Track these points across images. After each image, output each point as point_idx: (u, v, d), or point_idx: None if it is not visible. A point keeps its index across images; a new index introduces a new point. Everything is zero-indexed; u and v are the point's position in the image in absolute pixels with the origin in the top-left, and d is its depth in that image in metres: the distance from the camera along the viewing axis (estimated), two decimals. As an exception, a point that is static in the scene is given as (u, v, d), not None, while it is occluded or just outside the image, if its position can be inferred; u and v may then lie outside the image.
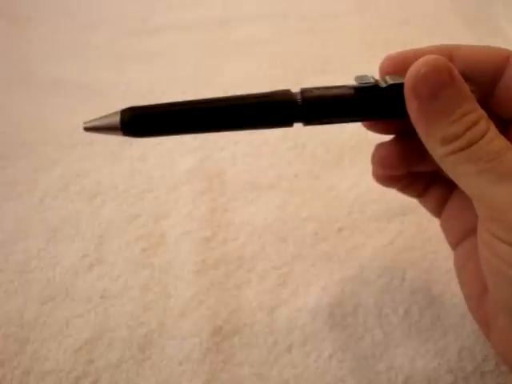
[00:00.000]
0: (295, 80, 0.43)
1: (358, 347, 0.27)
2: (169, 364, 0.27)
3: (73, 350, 0.27)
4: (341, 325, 0.28)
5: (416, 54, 0.21)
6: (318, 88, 0.22)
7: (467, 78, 0.21)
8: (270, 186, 0.35)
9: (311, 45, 0.48)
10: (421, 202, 0.27)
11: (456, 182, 0.21)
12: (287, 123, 0.22)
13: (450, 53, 0.22)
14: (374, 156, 0.25)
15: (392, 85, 0.21)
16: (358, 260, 0.31)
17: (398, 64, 0.22)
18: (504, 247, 0.19)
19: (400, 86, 0.21)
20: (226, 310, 0.29)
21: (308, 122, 0.22)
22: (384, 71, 0.23)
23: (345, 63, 0.45)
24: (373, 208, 0.34)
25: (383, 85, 0.22)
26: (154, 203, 0.35)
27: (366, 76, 0.22)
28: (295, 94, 0.22)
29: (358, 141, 0.38)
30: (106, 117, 0.22)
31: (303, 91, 0.22)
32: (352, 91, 0.22)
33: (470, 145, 0.19)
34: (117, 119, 0.21)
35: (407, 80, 0.20)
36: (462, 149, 0.19)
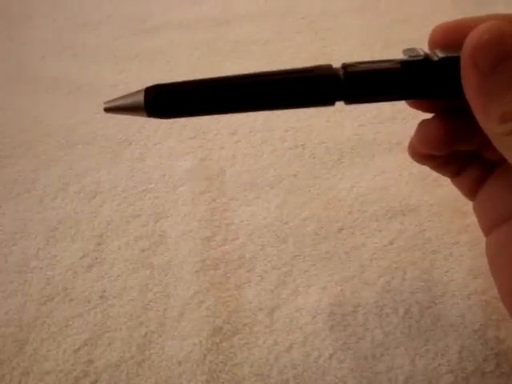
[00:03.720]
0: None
1: (358, 347, 0.27)
2: (168, 364, 0.27)
3: (72, 351, 0.27)
4: (341, 325, 0.28)
5: (474, 22, 0.19)
6: (361, 62, 0.20)
7: None
8: (270, 186, 0.35)
9: (311, 45, 0.48)
10: (454, 183, 0.26)
11: None
12: (329, 102, 0.20)
13: (508, 21, 0.20)
14: (417, 133, 0.23)
15: (444, 58, 0.19)
16: (358, 260, 0.31)
17: (451, 34, 0.20)
18: None
19: (454, 60, 0.19)
20: (226, 310, 0.29)
21: (350, 100, 0.20)
22: (434, 43, 0.21)
23: (345, 63, 0.45)
24: (373, 208, 0.33)
25: (435, 58, 0.19)
26: (153, 203, 0.35)
27: (416, 49, 0.20)
28: (337, 68, 0.20)
29: (357, 141, 0.38)
30: (128, 96, 0.20)
31: (345, 66, 0.20)
32: (399, 66, 0.20)
33: None
34: (141, 98, 0.20)
35: (465, 48, 0.18)
36: None
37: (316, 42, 0.48)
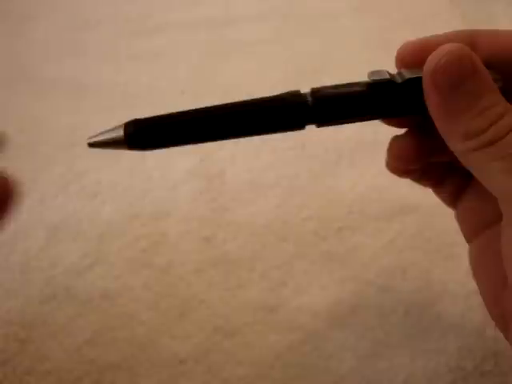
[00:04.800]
0: (295, 80, 0.43)
1: (358, 347, 0.27)
2: (169, 363, 0.27)
3: (73, 350, 0.27)
4: (341, 324, 0.28)
5: (435, 41, 0.20)
6: (329, 87, 0.21)
7: (490, 66, 0.19)
8: (269, 186, 0.35)
9: (311, 45, 0.48)
10: (436, 193, 0.26)
11: (479, 179, 0.19)
12: (299, 127, 0.21)
13: (471, 39, 0.21)
14: (389, 149, 0.24)
15: (409, 79, 0.20)
16: (358, 260, 0.31)
17: (416, 52, 0.21)
18: None
19: (418, 80, 0.19)
20: (226, 310, 0.29)
21: (321, 123, 0.21)
22: (400, 60, 0.22)
23: (345, 63, 0.45)
24: (373, 208, 0.34)
25: (399, 80, 0.20)
26: (154, 203, 0.35)
27: (381, 71, 0.21)
28: (305, 94, 0.21)
29: (357, 141, 0.38)
30: (109, 131, 0.21)
31: (314, 91, 0.21)
32: (365, 89, 0.20)
33: (495, 140, 0.18)
34: (121, 133, 0.21)
35: (426, 71, 0.19)
36: (486, 145, 0.18)
37: (316, 43, 0.48)
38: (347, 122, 0.22)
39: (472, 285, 0.25)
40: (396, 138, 0.24)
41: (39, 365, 0.27)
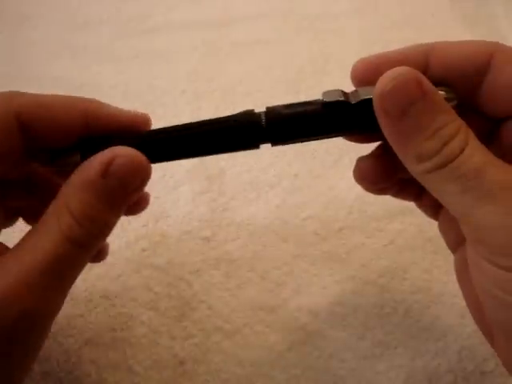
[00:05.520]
0: (295, 80, 0.43)
1: (359, 347, 0.27)
2: (169, 364, 0.27)
3: (73, 350, 0.27)
4: (341, 324, 0.28)
5: (390, 58, 0.20)
6: (282, 106, 0.21)
7: (443, 81, 0.19)
8: (270, 186, 0.35)
9: (311, 45, 0.48)
10: (418, 206, 0.26)
11: (438, 199, 0.19)
12: (252, 146, 0.21)
13: (425, 53, 0.21)
14: (355, 172, 0.23)
15: (362, 101, 0.20)
16: (358, 260, 0.31)
17: (370, 71, 0.21)
18: (493, 270, 0.18)
19: (371, 102, 0.19)
20: (226, 310, 0.29)
21: (275, 143, 0.21)
22: (355, 78, 0.22)
23: (345, 63, 0.45)
24: (373, 208, 0.34)
25: (353, 100, 0.20)
26: (154, 203, 0.35)
27: (335, 91, 0.21)
28: (259, 114, 0.21)
29: (357, 141, 0.38)
30: (65, 154, 0.22)
31: (268, 112, 0.21)
32: (319, 108, 0.20)
33: (448, 162, 0.18)
34: (78, 158, 0.21)
35: (375, 98, 0.19)
36: (440, 166, 0.18)
37: (316, 43, 0.48)
38: (302, 141, 0.21)
39: (472, 285, 0.25)
40: (360, 160, 0.23)
41: (39, 366, 0.27)
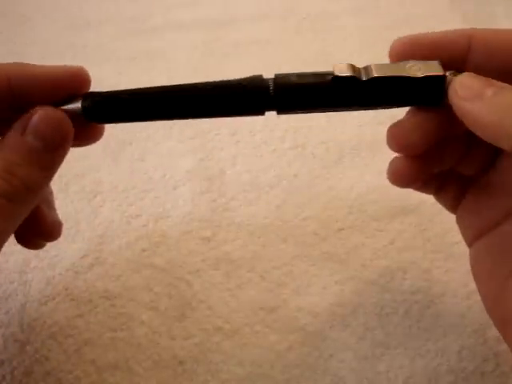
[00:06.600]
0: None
1: (359, 347, 0.27)
2: (169, 364, 0.27)
3: (73, 351, 0.27)
4: (341, 325, 0.28)
5: (430, 40, 0.21)
6: (293, 74, 0.21)
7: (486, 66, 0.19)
8: (270, 186, 0.35)
9: (311, 45, 0.48)
10: (437, 199, 0.27)
11: None
12: (258, 112, 0.21)
13: (468, 37, 0.21)
14: (392, 174, 0.23)
15: (374, 78, 0.20)
16: (358, 260, 0.31)
17: (409, 50, 0.21)
18: None
19: (381, 80, 0.20)
20: (226, 310, 0.29)
21: (281, 110, 0.21)
22: (395, 55, 0.22)
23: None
24: (373, 208, 0.33)
25: (363, 77, 0.20)
26: (154, 203, 0.35)
27: (347, 65, 0.21)
28: (268, 80, 0.21)
29: (357, 141, 0.38)
30: (67, 103, 0.21)
31: (277, 78, 0.21)
32: (329, 81, 0.20)
33: None
34: (78, 105, 0.21)
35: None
36: None
37: (316, 42, 0.48)
38: (307, 112, 0.22)
39: (472, 285, 0.25)
40: (395, 160, 0.24)
41: (39, 366, 0.27)
